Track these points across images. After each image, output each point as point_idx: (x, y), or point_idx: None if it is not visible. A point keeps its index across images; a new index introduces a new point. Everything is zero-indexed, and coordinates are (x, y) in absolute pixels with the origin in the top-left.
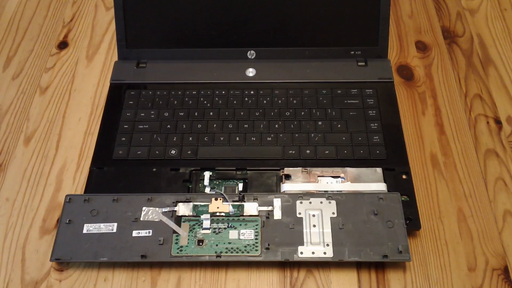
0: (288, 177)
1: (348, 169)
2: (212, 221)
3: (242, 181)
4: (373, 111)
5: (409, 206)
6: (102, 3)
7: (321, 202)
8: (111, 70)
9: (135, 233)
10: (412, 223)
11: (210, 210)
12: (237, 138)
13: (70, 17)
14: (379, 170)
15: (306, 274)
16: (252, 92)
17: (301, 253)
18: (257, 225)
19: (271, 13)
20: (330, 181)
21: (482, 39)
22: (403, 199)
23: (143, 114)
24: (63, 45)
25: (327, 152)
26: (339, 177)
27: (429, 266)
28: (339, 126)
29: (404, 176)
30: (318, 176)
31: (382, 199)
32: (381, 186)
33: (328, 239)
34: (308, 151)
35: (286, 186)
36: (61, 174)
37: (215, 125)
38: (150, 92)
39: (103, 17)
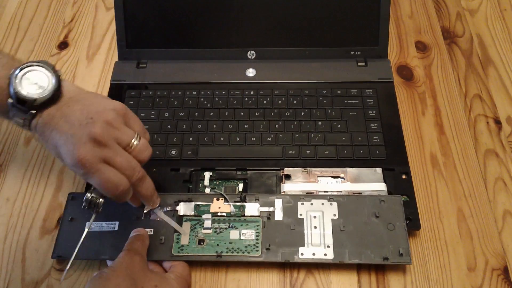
0: (288, 177)
1: (348, 169)
2: (213, 221)
3: (242, 181)
4: (373, 111)
5: (409, 206)
6: (102, 4)
7: (323, 204)
8: (112, 70)
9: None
10: (412, 223)
11: (212, 210)
12: (237, 139)
13: (70, 18)
14: (379, 170)
15: (306, 275)
16: (252, 92)
17: (302, 254)
18: (258, 225)
19: (271, 13)
20: (330, 181)
21: (482, 39)
22: (402, 199)
23: (143, 114)
24: (63, 45)
25: (327, 152)
26: (339, 177)
27: (429, 266)
28: (339, 126)
29: (404, 176)
30: (318, 176)
31: (384, 202)
32: (381, 186)
33: (329, 240)
34: (308, 151)
35: (286, 186)
36: (61, 174)
37: (215, 125)
38: (151, 92)
39: (104, 18)
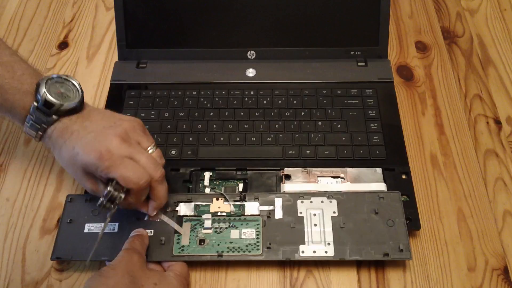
0: (288, 177)
1: (348, 169)
2: (213, 221)
3: (242, 181)
4: (373, 111)
5: (409, 206)
6: (102, 3)
7: (322, 202)
8: (111, 70)
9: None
10: (412, 223)
11: (212, 210)
12: (237, 139)
13: (70, 18)
14: (379, 170)
15: (306, 274)
16: (252, 92)
17: (302, 252)
18: (258, 224)
19: (271, 13)
20: (330, 181)
21: (482, 39)
22: (402, 199)
23: (143, 115)
24: (63, 45)
25: (327, 152)
26: (339, 177)
27: (429, 266)
28: (339, 126)
29: (404, 176)
30: (318, 177)
31: (383, 198)
32: (381, 186)
33: (329, 238)
34: (308, 151)
35: (286, 187)
36: (61, 174)
37: (215, 125)
38: (150, 92)
39: (104, 17)
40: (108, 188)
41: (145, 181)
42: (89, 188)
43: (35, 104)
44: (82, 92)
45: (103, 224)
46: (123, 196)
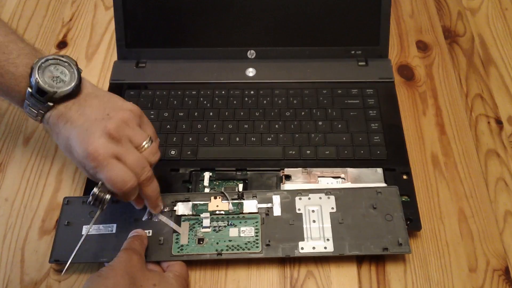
0: (288, 177)
1: (349, 169)
2: (212, 220)
3: (242, 181)
4: (373, 111)
5: (410, 207)
6: (101, 3)
7: (320, 198)
8: (111, 70)
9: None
10: (413, 224)
11: (210, 209)
12: (237, 139)
13: (69, 17)
14: (379, 170)
15: (306, 272)
16: (252, 92)
17: (302, 248)
18: (257, 222)
19: (271, 13)
20: (330, 182)
21: (483, 38)
22: (403, 199)
23: None
24: (62, 44)
25: (327, 152)
26: (339, 177)
27: (430, 266)
28: (339, 126)
29: (404, 177)
30: (319, 177)
31: (381, 193)
32: None
33: (328, 234)
34: (308, 152)
35: (286, 187)
36: (60, 174)
37: (215, 125)
38: (150, 92)
39: (103, 17)
40: (94, 190)
41: (130, 185)
42: (88, 175)
43: (29, 90)
44: (79, 72)
45: (101, 225)
46: (109, 197)
